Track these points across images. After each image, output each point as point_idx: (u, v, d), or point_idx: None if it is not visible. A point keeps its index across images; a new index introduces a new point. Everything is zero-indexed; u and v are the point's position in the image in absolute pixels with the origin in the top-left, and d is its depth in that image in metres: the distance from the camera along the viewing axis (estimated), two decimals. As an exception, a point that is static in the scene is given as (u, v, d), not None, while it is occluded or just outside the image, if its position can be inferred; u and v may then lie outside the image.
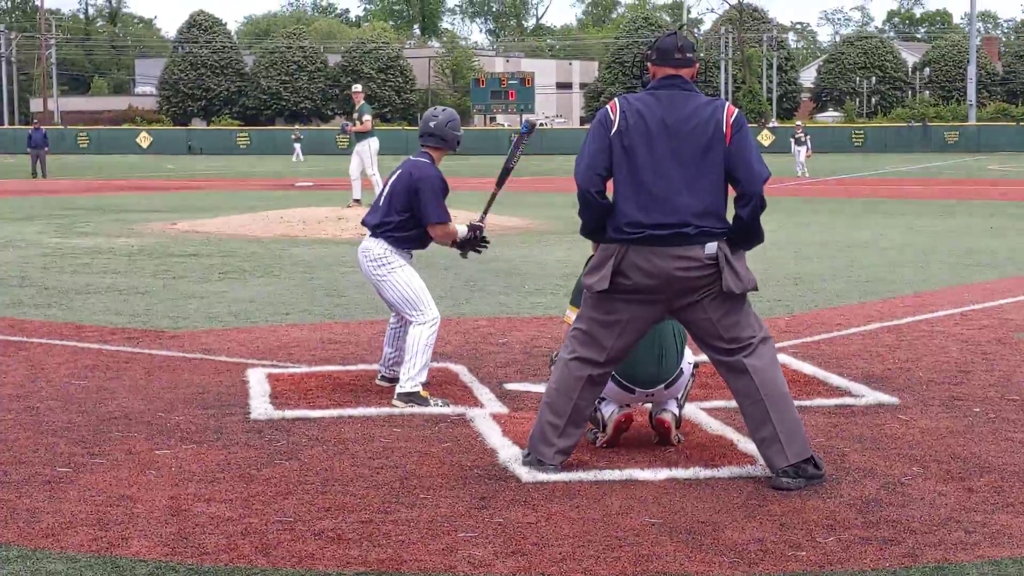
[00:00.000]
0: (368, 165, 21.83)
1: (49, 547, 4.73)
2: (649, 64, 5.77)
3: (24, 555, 4.65)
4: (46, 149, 43.47)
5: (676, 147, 5.57)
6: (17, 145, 69.16)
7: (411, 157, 7.68)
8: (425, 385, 7.26)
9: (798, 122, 53.11)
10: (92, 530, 4.92)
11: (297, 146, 61.57)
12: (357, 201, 21.95)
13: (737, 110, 5.72)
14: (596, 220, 5.70)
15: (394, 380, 7.51)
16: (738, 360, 5.63)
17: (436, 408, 7.05)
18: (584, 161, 5.66)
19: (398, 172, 7.57)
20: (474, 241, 7.75)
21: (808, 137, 41.23)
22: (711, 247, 5.54)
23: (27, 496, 5.37)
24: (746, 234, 5.63)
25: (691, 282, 5.57)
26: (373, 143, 21.92)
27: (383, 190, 7.65)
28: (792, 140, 41.92)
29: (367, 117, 21.98)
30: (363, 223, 7.68)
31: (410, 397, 7.15)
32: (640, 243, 5.57)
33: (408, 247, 7.55)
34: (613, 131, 5.61)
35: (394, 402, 7.16)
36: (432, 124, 7.63)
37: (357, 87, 23.30)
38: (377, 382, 7.71)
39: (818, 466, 5.57)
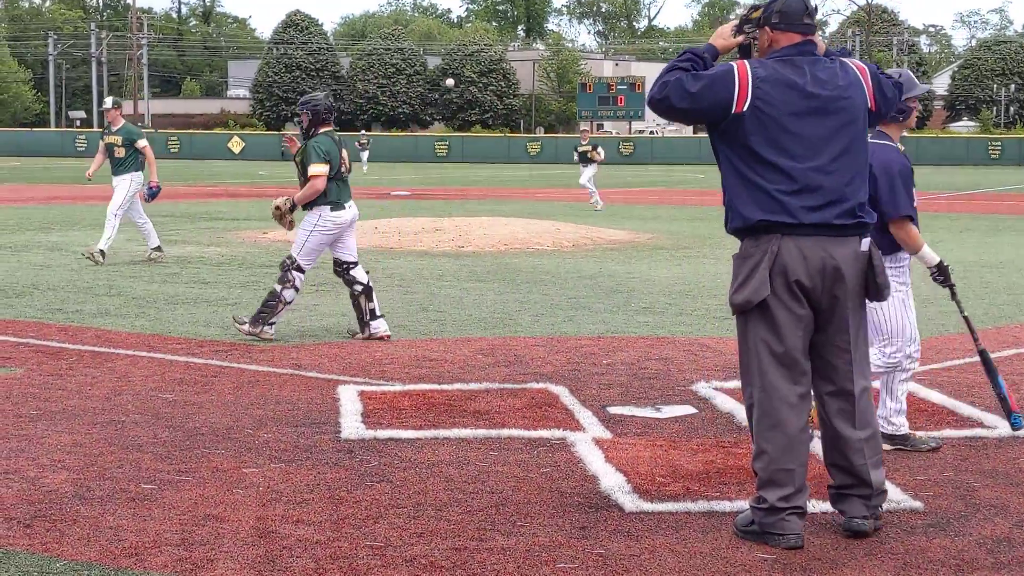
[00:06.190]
0: None
1: (132, 567, 4.83)
2: (767, 29, 5.31)
3: (106, 575, 4.75)
4: None
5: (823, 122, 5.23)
6: (106, 149, 70.66)
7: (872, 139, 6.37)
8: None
9: None
10: (176, 550, 5.02)
11: (364, 154, 58.31)
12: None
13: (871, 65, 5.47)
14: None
15: None
16: None
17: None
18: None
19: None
20: None
21: None
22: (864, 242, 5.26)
23: (110, 513, 5.50)
24: None
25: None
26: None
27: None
28: None
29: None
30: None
31: None
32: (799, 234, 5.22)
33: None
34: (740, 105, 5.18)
35: None
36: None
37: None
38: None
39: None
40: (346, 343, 10.14)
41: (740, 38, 5.38)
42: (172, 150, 74.01)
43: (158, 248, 16.69)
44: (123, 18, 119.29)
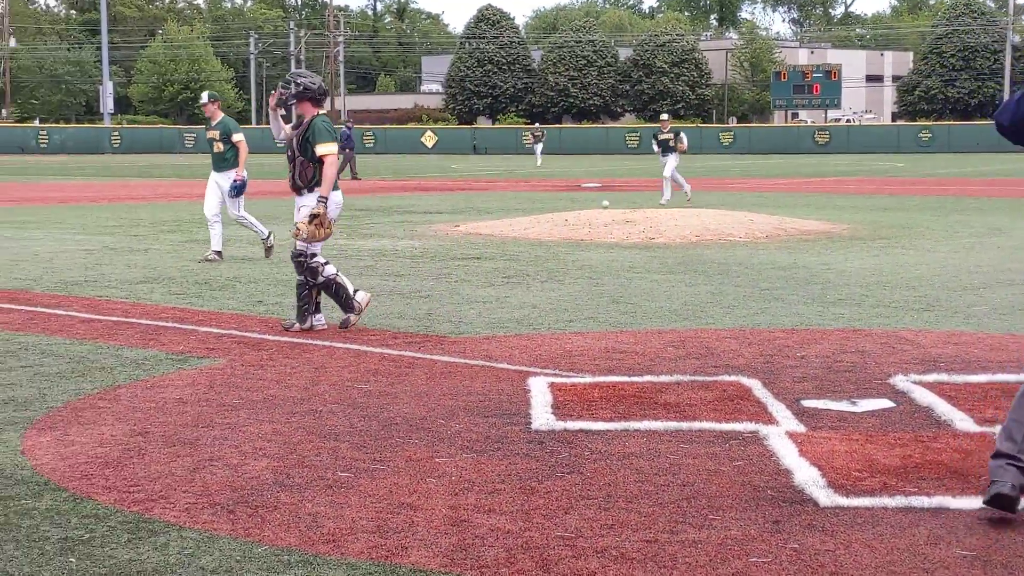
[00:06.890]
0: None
1: (330, 553, 4.95)
2: None
3: (305, 560, 4.88)
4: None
5: None
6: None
7: None
8: None
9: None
10: (372, 537, 5.13)
11: (538, 147, 57.87)
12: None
13: None
14: None
15: None
16: None
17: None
18: None
19: None
20: None
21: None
22: None
23: (309, 500, 5.65)
24: None
25: None
26: None
27: None
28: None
29: None
30: None
31: None
32: None
33: None
34: None
35: None
36: None
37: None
38: None
39: None
40: (536, 335, 10.21)
41: None
42: (368, 145, 75.49)
43: (219, 253, 16.38)
44: (321, 16, 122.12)
